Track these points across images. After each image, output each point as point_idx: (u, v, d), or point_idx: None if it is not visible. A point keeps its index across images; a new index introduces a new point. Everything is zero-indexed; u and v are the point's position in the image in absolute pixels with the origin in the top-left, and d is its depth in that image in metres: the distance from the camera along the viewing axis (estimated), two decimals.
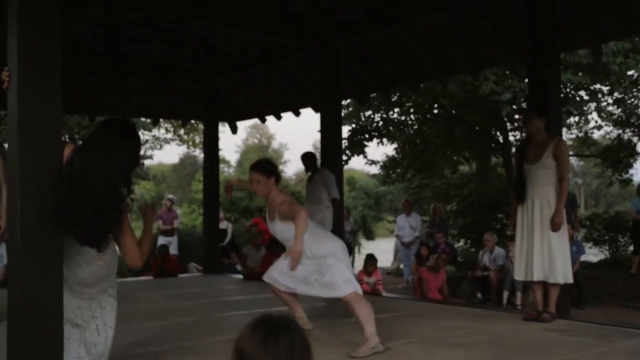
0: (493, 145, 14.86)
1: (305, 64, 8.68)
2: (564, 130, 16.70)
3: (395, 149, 15.63)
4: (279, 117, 10.23)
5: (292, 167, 75.39)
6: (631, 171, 16.89)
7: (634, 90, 10.64)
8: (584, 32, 5.85)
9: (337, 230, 7.83)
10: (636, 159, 16.80)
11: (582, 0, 5.71)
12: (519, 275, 5.48)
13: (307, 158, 7.86)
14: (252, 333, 1.52)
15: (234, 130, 11.33)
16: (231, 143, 68.45)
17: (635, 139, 16.10)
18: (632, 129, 15.42)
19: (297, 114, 9.89)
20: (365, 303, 4.28)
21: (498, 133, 14.14)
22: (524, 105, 10.86)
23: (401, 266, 14.09)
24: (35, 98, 3.07)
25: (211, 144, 10.17)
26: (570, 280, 5.33)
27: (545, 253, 5.26)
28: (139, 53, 8.60)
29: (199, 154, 32.94)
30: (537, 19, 5.57)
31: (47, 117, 3.10)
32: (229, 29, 7.44)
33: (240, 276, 9.51)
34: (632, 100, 13.24)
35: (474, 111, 12.83)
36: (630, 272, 11.47)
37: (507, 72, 10.27)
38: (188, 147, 21.72)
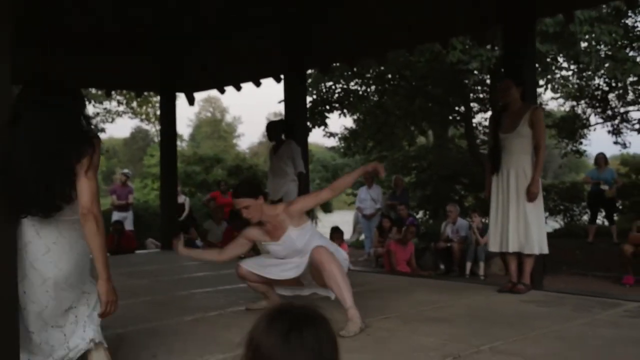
0: (452, 116, 14.82)
1: (268, 33, 8.35)
2: None
3: (355, 120, 15.43)
4: (238, 88, 9.88)
5: (246, 140, 75.07)
6: (585, 142, 17.21)
7: (598, 61, 10.65)
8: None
9: None
10: (589, 131, 17.09)
11: None
12: (493, 246, 5.38)
13: (273, 127, 7.53)
14: (270, 326, 1.27)
15: (191, 101, 10.91)
16: (183, 117, 67.20)
17: (589, 111, 16.33)
18: (586, 100, 15.60)
19: (258, 84, 9.56)
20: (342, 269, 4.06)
21: (460, 104, 14.07)
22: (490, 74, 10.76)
23: (361, 238, 14.01)
24: None
25: (168, 116, 9.77)
26: (546, 250, 5.25)
27: (521, 223, 5.16)
28: (90, 23, 8.11)
29: (150, 127, 32.19)
30: None
31: None
32: None
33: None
34: (589, 73, 13.32)
35: (436, 82, 12.70)
36: (587, 240, 11.64)
37: (470, 42, 10.12)
38: (141, 120, 21.08)
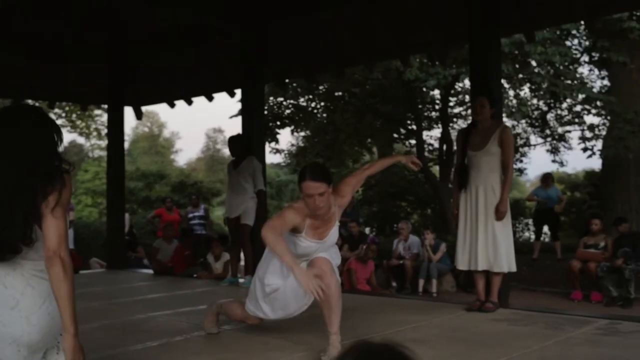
0: (401, 134, 14.95)
1: (223, 46, 8.20)
2: (459, 121, 17.17)
3: (304, 137, 15.34)
4: (189, 102, 9.67)
5: (183, 156, 73.78)
6: (525, 160, 17.69)
7: (549, 82, 10.95)
8: (519, 17, 5.78)
9: (260, 223, 7.43)
10: (530, 149, 17.58)
11: None
12: (462, 264, 5.35)
13: (236, 142, 7.28)
14: None
15: (138, 115, 10.59)
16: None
17: (529, 130, 16.80)
18: (526, 120, 16.03)
19: (211, 98, 9.37)
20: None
21: (409, 122, 14.20)
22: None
23: None
24: None
25: (115, 131, 9.43)
26: (514, 268, 5.25)
27: (490, 242, 5.15)
28: (35, 30, 7.73)
29: (85, 142, 31.15)
30: (478, 3, 5.41)
31: None
32: (143, 6, 6.83)
33: (150, 271, 8.89)
34: (530, 93, 13.70)
35: (386, 99, 12.78)
36: (532, 257, 11.86)
37: (425, 61, 10.23)
38: (79, 134, 20.32)
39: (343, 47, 7.20)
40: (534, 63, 10.93)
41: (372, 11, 6.68)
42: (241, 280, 7.36)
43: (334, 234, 3.87)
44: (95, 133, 19.64)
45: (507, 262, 5.17)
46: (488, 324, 4.74)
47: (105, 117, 20.56)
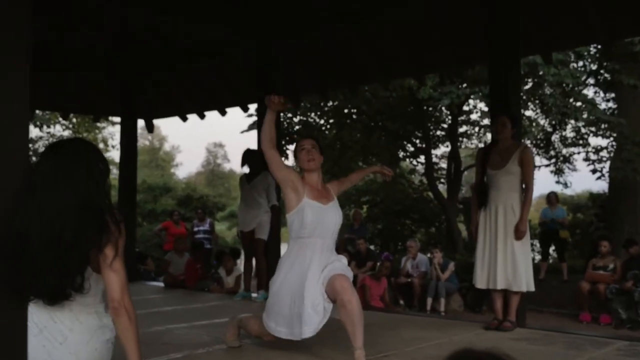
0: (409, 151, 15.00)
1: (237, 61, 8.27)
2: (465, 140, 17.25)
3: None
4: (202, 116, 9.73)
5: (183, 170, 73.82)
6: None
7: (561, 103, 11.06)
8: (539, 38, 5.85)
9: (275, 237, 7.47)
10: (535, 170, 17.61)
11: (538, 7, 5.71)
12: (480, 283, 5.35)
13: (250, 156, 7.33)
14: None
15: (150, 128, 10.68)
16: (114, 143, 65.68)
17: (534, 150, 16.87)
18: (532, 141, 16.11)
19: (223, 113, 9.44)
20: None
21: (417, 140, 14.27)
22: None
23: None
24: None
25: (128, 143, 9.46)
26: (532, 288, 5.27)
27: (509, 261, 5.17)
28: (52, 40, 7.80)
29: None
30: (499, 23, 5.47)
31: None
32: (155, 17, 6.90)
33: (160, 284, 8.88)
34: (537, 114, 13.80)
35: (394, 117, 12.87)
36: (538, 277, 11.86)
37: (437, 80, 10.33)
38: None
39: (358, 64, 7.27)
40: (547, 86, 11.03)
41: (388, 29, 6.74)
42: (254, 295, 7.36)
43: (335, 207, 4.10)
44: (102, 145, 19.71)
45: (525, 282, 5.19)
46: (508, 342, 4.75)
47: (110, 129, 20.70)
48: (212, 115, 9.25)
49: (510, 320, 5.26)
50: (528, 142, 16.14)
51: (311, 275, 3.87)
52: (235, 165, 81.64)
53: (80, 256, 2.34)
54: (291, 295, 3.92)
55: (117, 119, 17.49)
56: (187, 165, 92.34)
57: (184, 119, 10.07)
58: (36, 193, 2.35)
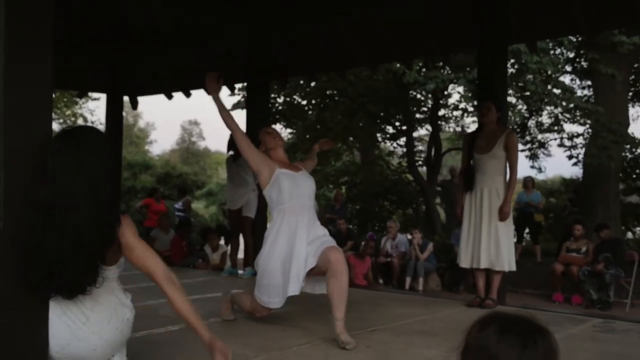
0: (389, 133, 15.19)
1: (227, 42, 8.31)
2: (443, 124, 17.50)
3: (293, 133, 15.52)
4: (188, 95, 9.78)
5: (158, 147, 73.14)
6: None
7: (542, 90, 11.32)
8: (525, 28, 6.02)
9: (261, 214, 7.60)
10: None
11: None
12: (464, 262, 5.57)
13: None
14: (504, 337, 1.32)
15: (134, 105, 10.68)
16: (93, 119, 64.76)
17: None
18: (508, 126, 16.39)
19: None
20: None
21: (397, 123, 14.46)
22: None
23: None
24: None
25: (114, 119, 9.48)
26: (514, 267, 5.50)
27: (492, 242, 5.38)
28: None
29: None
30: (490, 10, 5.64)
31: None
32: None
33: None
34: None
35: (377, 100, 13.03)
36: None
37: (422, 64, 10.49)
38: (65, 122, 20.19)
39: (347, 49, 7.38)
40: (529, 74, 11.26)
41: (379, 16, 6.86)
42: (240, 272, 7.51)
43: (306, 175, 4.37)
44: (81, 121, 19.52)
45: (507, 262, 5.41)
46: None
47: (90, 104, 20.50)
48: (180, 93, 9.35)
49: (492, 298, 5.49)
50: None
51: (299, 237, 4.10)
52: (210, 143, 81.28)
53: (96, 250, 2.43)
54: (281, 261, 4.12)
55: (97, 95, 17.40)
56: (162, 143, 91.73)
57: (170, 97, 10.09)
58: (53, 187, 2.38)
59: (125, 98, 10.18)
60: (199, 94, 9.64)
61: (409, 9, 6.49)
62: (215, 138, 79.09)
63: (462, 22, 6.19)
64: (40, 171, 2.39)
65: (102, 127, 10.01)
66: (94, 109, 20.30)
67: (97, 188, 2.42)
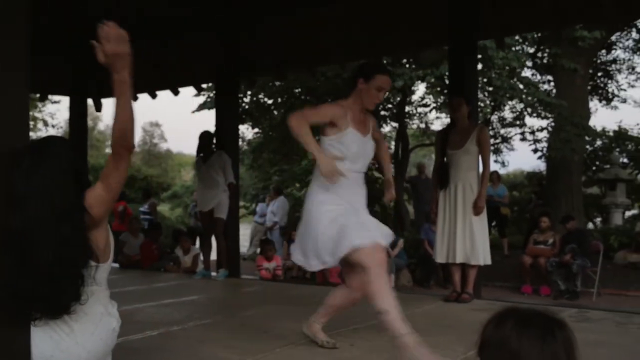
0: None
1: (193, 41, 8.20)
2: (407, 121, 17.65)
3: (259, 132, 15.44)
4: (153, 96, 9.63)
5: None
6: None
7: (508, 85, 11.51)
8: (493, 23, 6.08)
9: (233, 215, 7.55)
10: None
11: None
12: (440, 257, 5.61)
13: (205, 138, 7.38)
14: (524, 331, 1.32)
15: (98, 107, 10.46)
16: (54, 122, 63.45)
17: None
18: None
19: (176, 92, 9.36)
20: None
21: None
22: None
23: (257, 251, 14.06)
24: None
25: (78, 122, 9.28)
26: (489, 261, 5.56)
27: (467, 236, 5.43)
28: None
29: (30, 134, 30.30)
30: (460, 7, 5.69)
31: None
32: None
33: (115, 265, 8.80)
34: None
35: (345, 98, 13.03)
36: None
37: (390, 61, 10.53)
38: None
39: (317, 46, 7.35)
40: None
41: (347, 12, 6.85)
42: (213, 274, 7.44)
43: (370, 140, 3.75)
44: (41, 124, 19.08)
45: (482, 255, 5.47)
46: (470, 313, 5.01)
47: (51, 108, 20.05)
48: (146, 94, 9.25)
49: (468, 292, 5.54)
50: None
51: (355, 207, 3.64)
52: (172, 144, 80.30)
53: (76, 268, 2.34)
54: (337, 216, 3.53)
55: (57, 98, 17.01)
56: None
57: (135, 98, 9.92)
58: (28, 201, 2.29)
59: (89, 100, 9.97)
60: (163, 95, 9.51)
61: (379, 5, 6.49)
62: (177, 139, 78.19)
63: (433, 18, 6.22)
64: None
65: (62, 131, 9.79)
66: (54, 112, 19.88)
67: (68, 205, 2.33)
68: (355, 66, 3.97)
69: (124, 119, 2.40)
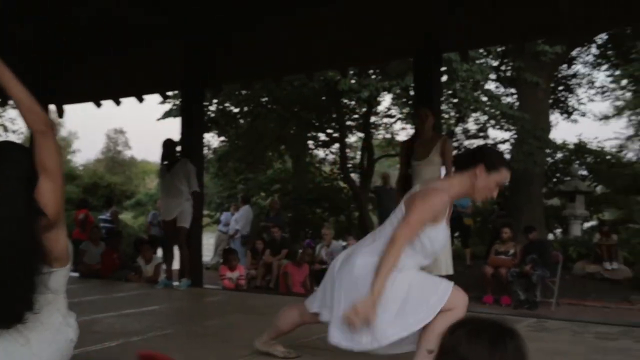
0: (318, 141, 15.31)
1: (158, 49, 8.14)
2: (373, 131, 17.79)
3: (225, 141, 15.39)
4: (118, 103, 9.53)
5: (82, 157, 70.88)
6: None
7: (472, 98, 11.69)
8: (457, 37, 6.19)
9: (196, 224, 7.49)
10: None
11: (457, 7, 6.03)
12: None
13: (168, 146, 7.31)
14: (474, 338, 1.34)
15: (60, 114, 10.30)
16: (15, 128, 62.19)
17: None
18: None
19: (141, 100, 9.27)
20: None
21: (331, 130, 14.60)
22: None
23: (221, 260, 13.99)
24: None
25: None
26: (451, 271, 5.59)
27: None
28: None
29: None
30: (425, 22, 5.77)
31: None
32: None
33: (74, 274, 8.64)
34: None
35: (310, 107, 13.11)
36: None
37: (356, 72, 10.62)
38: None
39: (284, 56, 7.37)
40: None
41: (314, 23, 6.89)
42: (176, 284, 7.36)
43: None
44: (0, 129, 18.67)
45: (445, 266, 5.51)
46: None
47: (12, 113, 19.66)
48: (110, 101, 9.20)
49: None
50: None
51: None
52: (136, 152, 79.41)
53: (32, 283, 2.27)
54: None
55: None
56: (86, 152, 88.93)
57: (98, 105, 9.80)
58: None
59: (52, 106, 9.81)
60: (127, 102, 9.42)
61: (347, 16, 6.54)
62: (142, 147, 77.37)
63: (399, 31, 6.28)
64: None
65: (23, 137, 9.59)
66: (14, 118, 19.44)
67: (22, 210, 2.26)
68: (477, 148, 3.31)
69: (22, 96, 2.35)
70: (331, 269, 3.34)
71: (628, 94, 20.45)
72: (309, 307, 3.47)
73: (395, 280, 2.96)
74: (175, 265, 7.58)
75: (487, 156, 3.11)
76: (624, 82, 18.81)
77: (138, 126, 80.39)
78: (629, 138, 21.67)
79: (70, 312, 2.58)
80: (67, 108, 10.23)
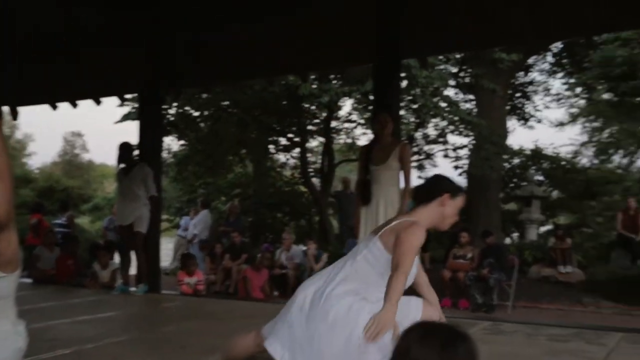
0: (279, 146, 15.29)
1: (119, 53, 8.03)
2: (334, 136, 17.86)
3: (184, 145, 15.25)
4: (74, 105, 9.36)
5: (38, 160, 69.22)
6: None
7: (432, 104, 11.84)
8: (416, 44, 6.26)
9: (154, 228, 7.40)
10: None
11: (416, 14, 6.11)
12: None
13: (124, 149, 7.20)
14: (426, 340, 1.36)
15: (14, 116, 10.08)
16: None
17: None
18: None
19: (98, 102, 9.12)
20: None
21: (292, 135, 14.59)
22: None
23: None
24: None
25: None
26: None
27: None
28: None
29: None
30: (383, 26, 5.82)
31: None
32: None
33: (27, 280, 8.43)
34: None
35: (270, 112, 13.10)
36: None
37: (317, 77, 10.66)
38: None
39: (244, 61, 7.35)
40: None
41: (276, 28, 6.89)
42: (133, 289, 7.25)
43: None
44: None
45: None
46: None
47: None
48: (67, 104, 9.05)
49: None
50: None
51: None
52: (95, 155, 78.01)
53: None
54: None
55: None
56: (42, 155, 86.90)
57: (54, 107, 9.61)
58: None
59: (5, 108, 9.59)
60: (84, 104, 9.26)
61: (306, 22, 6.56)
62: (100, 150, 76.03)
63: (359, 37, 6.32)
64: None
65: None
66: None
67: None
68: (435, 179, 3.24)
69: None
70: (298, 305, 3.07)
71: (582, 102, 20.97)
72: (265, 336, 3.23)
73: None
74: (133, 270, 7.47)
75: (449, 185, 3.16)
76: (578, 89, 19.29)
77: (96, 129, 79.02)
78: (583, 144, 22.20)
79: (20, 320, 2.51)
80: (22, 110, 10.03)
